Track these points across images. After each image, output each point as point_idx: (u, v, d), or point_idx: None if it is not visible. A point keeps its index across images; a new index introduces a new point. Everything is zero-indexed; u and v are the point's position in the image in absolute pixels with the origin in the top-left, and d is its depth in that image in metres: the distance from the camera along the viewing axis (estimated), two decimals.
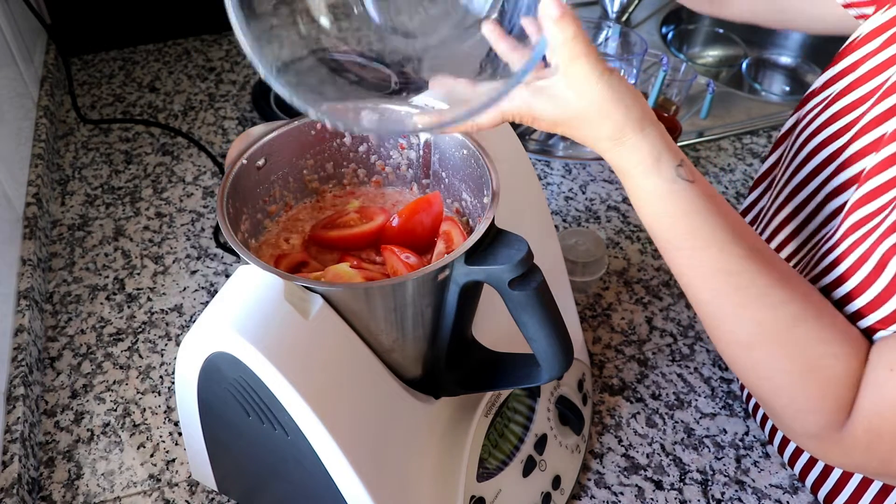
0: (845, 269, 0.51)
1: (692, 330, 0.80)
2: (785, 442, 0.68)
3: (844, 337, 0.48)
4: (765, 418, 0.70)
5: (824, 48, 1.33)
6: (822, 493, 0.65)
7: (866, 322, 0.48)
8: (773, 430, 0.69)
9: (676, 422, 0.72)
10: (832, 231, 0.54)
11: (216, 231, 0.90)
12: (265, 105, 1.05)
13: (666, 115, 0.95)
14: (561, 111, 0.47)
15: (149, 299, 0.82)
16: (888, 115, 0.53)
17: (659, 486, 0.67)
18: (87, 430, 0.70)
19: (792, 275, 0.49)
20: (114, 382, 0.74)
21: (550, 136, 1.06)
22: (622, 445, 0.70)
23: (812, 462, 0.65)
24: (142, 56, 1.20)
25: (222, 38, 1.25)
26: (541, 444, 0.63)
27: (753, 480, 0.67)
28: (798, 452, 0.66)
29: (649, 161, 0.47)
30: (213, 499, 0.65)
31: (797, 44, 1.36)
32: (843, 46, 0.62)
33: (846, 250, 0.51)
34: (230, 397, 0.50)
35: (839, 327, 0.48)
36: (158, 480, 0.66)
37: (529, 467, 0.61)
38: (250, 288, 0.46)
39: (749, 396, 0.72)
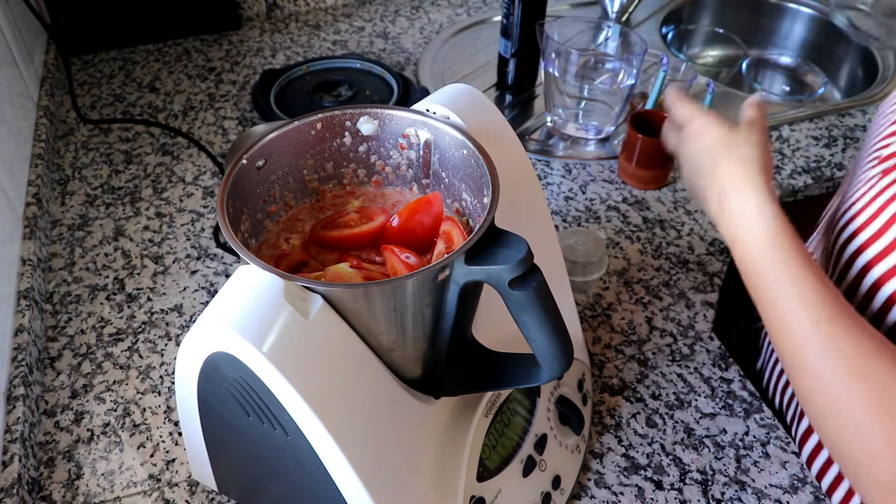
0: None
1: (692, 330, 0.80)
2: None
3: None
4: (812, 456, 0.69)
5: (824, 48, 1.33)
6: None
7: None
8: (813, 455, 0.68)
9: (676, 422, 0.72)
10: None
11: (216, 231, 0.90)
12: (265, 105, 1.05)
13: (666, 115, 0.95)
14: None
15: (149, 299, 0.82)
16: None
17: (659, 486, 0.67)
18: (87, 430, 0.70)
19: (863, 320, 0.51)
20: (114, 382, 0.74)
21: (550, 135, 1.06)
22: (622, 445, 0.70)
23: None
24: (142, 56, 1.20)
25: (222, 38, 1.25)
26: (541, 444, 0.63)
27: (753, 480, 0.67)
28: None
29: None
30: (213, 499, 0.65)
31: (797, 44, 1.36)
32: None
33: None
34: (230, 397, 0.50)
35: None
36: (158, 480, 0.66)
37: (529, 467, 0.61)
38: (250, 288, 0.46)
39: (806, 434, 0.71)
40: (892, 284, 0.55)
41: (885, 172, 0.58)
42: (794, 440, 0.72)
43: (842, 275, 0.61)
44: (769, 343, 0.79)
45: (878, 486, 0.48)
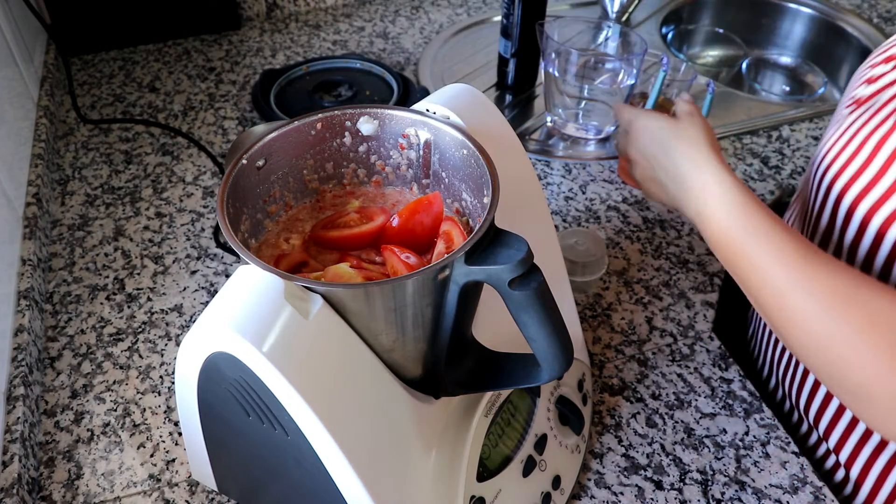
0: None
1: (692, 330, 0.80)
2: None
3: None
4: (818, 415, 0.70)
5: (824, 48, 1.33)
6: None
7: None
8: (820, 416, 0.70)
9: (676, 422, 0.72)
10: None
11: (216, 231, 0.90)
12: (265, 105, 1.05)
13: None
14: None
15: (149, 299, 0.82)
16: None
17: (659, 486, 0.67)
18: (87, 430, 0.70)
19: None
20: (114, 382, 0.74)
21: (550, 135, 1.06)
22: (622, 445, 0.70)
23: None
24: (142, 56, 1.20)
25: (222, 38, 1.25)
26: (541, 444, 0.63)
27: (753, 480, 0.67)
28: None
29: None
30: (213, 499, 0.65)
31: (797, 44, 1.36)
32: None
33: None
34: (230, 397, 0.50)
35: (887, 286, 0.50)
36: (158, 480, 0.66)
37: (529, 467, 0.61)
38: (250, 288, 0.46)
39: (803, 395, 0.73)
40: (878, 218, 0.56)
41: (859, 103, 0.59)
42: (796, 407, 0.73)
43: (829, 219, 0.61)
44: (756, 313, 0.79)
45: (879, 409, 0.49)
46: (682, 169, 0.62)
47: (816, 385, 0.70)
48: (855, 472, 0.68)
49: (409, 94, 1.07)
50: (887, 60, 0.62)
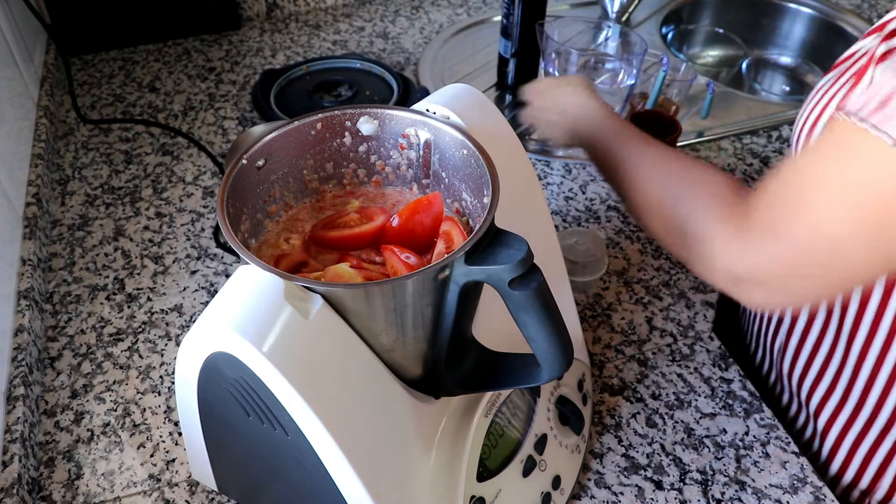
0: None
1: (692, 330, 0.80)
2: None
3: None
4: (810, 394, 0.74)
5: (824, 48, 1.33)
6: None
7: None
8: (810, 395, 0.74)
9: (676, 422, 0.72)
10: None
11: (216, 231, 0.90)
12: (265, 105, 1.05)
13: (666, 115, 0.95)
14: None
15: (149, 299, 0.82)
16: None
17: (659, 486, 0.67)
18: (87, 430, 0.70)
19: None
20: (114, 382, 0.74)
21: None
22: (622, 445, 0.70)
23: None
24: (142, 56, 1.20)
25: (222, 38, 1.25)
26: (541, 444, 0.63)
27: (753, 480, 0.67)
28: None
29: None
30: (213, 499, 0.65)
31: (797, 44, 1.36)
32: None
33: None
34: (230, 397, 0.50)
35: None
36: (158, 480, 0.66)
37: (529, 467, 0.61)
38: (250, 288, 0.46)
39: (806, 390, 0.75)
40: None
41: (835, 66, 0.67)
42: (789, 388, 0.76)
43: None
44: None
45: (703, 252, 0.56)
46: (570, 111, 0.75)
47: (808, 364, 0.72)
48: (843, 453, 0.72)
49: (409, 94, 1.07)
50: (872, 32, 0.64)
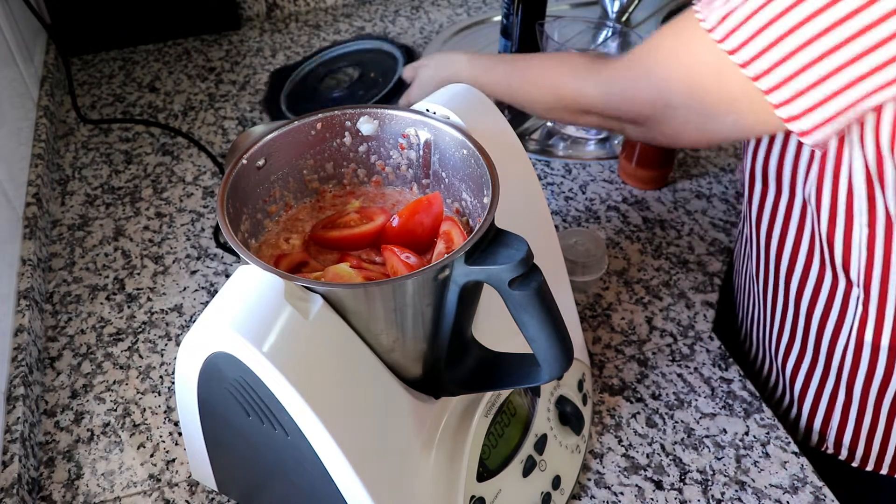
0: None
1: (692, 330, 0.80)
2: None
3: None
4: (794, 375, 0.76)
5: None
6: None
7: None
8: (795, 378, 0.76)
9: (676, 422, 0.72)
10: None
11: (216, 231, 0.90)
12: (275, 108, 1.05)
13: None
14: None
15: (149, 299, 0.82)
16: None
17: (659, 486, 0.67)
18: (87, 430, 0.70)
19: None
20: (114, 382, 0.74)
21: (550, 135, 1.06)
22: (622, 445, 0.70)
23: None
24: (142, 56, 1.20)
25: (222, 38, 1.25)
26: (541, 444, 0.63)
27: (753, 480, 0.67)
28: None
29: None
30: (213, 499, 0.65)
31: None
32: None
33: None
34: (230, 397, 0.50)
35: None
36: (158, 480, 0.66)
37: (529, 467, 0.61)
38: (250, 288, 0.46)
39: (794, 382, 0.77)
40: None
41: None
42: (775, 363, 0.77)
43: None
44: (740, 282, 0.83)
45: (569, 109, 0.70)
46: (447, 67, 0.85)
47: (801, 352, 0.73)
48: (833, 429, 0.74)
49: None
50: None
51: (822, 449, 0.75)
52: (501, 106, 0.72)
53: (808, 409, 0.75)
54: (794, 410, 0.77)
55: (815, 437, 0.75)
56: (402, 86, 0.96)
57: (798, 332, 0.72)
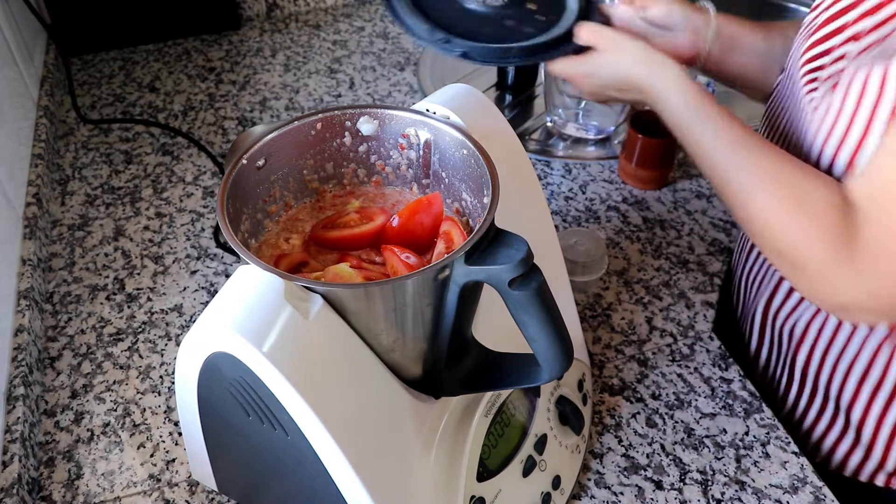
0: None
1: (692, 330, 0.80)
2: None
3: (822, 175, 0.58)
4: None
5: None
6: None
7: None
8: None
9: (676, 422, 0.72)
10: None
11: (216, 231, 0.90)
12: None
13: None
14: None
15: (149, 299, 0.82)
16: None
17: (659, 486, 0.67)
18: (87, 430, 0.70)
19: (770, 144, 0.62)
20: (114, 382, 0.74)
21: (550, 135, 1.06)
22: (622, 445, 0.70)
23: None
24: (142, 56, 1.20)
25: (222, 38, 1.25)
26: (541, 444, 0.63)
27: (753, 480, 0.67)
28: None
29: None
30: (213, 499, 0.65)
31: None
32: None
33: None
34: (230, 397, 0.50)
35: (814, 170, 0.58)
36: (158, 480, 0.66)
37: (529, 467, 0.61)
38: (250, 288, 0.46)
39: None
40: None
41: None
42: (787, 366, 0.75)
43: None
44: (743, 280, 0.81)
45: (808, 274, 0.57)
46: (647, 78, 0.67)
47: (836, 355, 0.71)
48: (881, 443, 0.71)
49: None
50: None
51: (858, 443, 0.74)
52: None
53: (847, 406, 0.73)
54: (818, 401, 0.75)
55: (851, 432, 0.74)
56: (565, 40, 0.72)
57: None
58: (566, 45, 0.71)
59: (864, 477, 0.74)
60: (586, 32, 0.70)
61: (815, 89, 0.61)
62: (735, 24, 0.75)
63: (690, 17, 0.74)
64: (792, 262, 0.57)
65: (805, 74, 0.63)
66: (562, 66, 0.72)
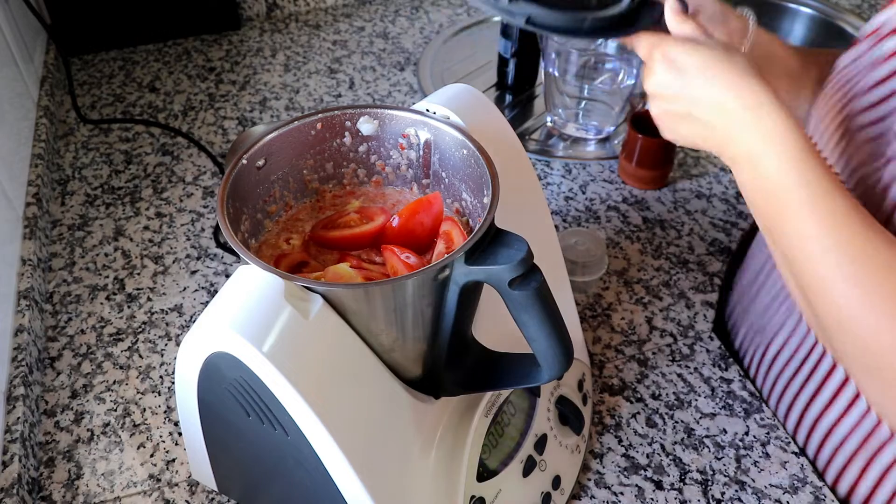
0: None
1: (692, 330, 0.80)
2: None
3: None
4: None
5: (824, 48, 1.33)
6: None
7: None
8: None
9: (676, 422, 0.72)
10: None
11: (216, 231, 0.90)
12: None
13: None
14: None
15: (149, 299, 0.82)
16: None
17: (659, 486, 0.67)
18: (87, 430, 0.70)
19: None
20: (114, 382, 0.74)
21: (550, 135, 1.06)
22: (622, 445, 0.70)
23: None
24: (142, 56, 1.20)
25: (222, 38, 1.25)
26: (541, 444, 0.63)
27: (753, 480, 0.67)
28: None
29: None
30: (213, 499, 0.65)
31: (797, 44, 1.36)
32: None
33: None
34: (230, 397, 0.50)
35: None
36: (158, 480, 0.66)
37: (529, 467, 0.61)
38: (250, 288, 0.46)
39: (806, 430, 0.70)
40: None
41: None
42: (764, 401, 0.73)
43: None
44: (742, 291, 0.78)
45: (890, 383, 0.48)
46: (727, 104, 0.53)
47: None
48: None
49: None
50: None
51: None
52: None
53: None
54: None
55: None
56: (638, 15, 0.60)
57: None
58: (650, 14, 0.59)
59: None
60: (673, 9, 0.58)
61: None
62: (773, 40, 0.69)
63: (729, 18, 0.66)
64: (876, 368, 0.49)
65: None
66: (647, 47, 0.58)
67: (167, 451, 0.69)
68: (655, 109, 0.59)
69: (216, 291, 0.72)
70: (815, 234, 0.50)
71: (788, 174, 0.51)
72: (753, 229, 0.89)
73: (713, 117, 0.54)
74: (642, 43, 0.58)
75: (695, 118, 0.56)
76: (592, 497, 0.66)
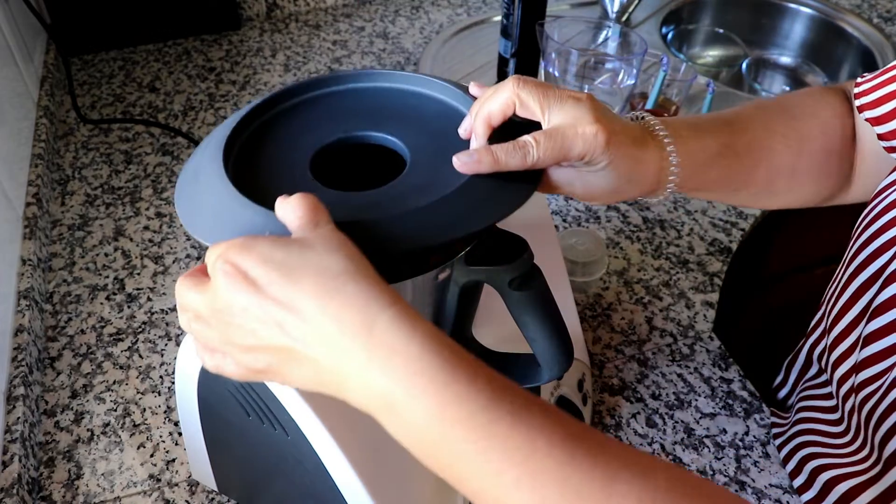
0: None
1: (692, 330, 0.80)
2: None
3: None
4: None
5: (824, 48, 1.33)
6: None
7: None
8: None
9: (676, 422, 0.72)
10: None
11: None
12: None
13: (666, 115, 0.95)
14: None
15: (149, 299, 0.82)
16: None
17: None
18: (87, 430, 0.70)
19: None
20: (114, 382, 0.74)
21: None
22: None
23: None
24: (142, 56, 1.20)
25: (222, 38, 1.25)
26: None
27: (753, 480, 0.67)
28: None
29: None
30: (213, 499, 0.65)
31: (797, 44, 1.36)
32: None
33: None
34: (230, 397, 0.50)
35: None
36: (158, 480, 0.66)
37: None
38: None
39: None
40: None
41: None
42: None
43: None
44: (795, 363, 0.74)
45: None
46: (326, 330, 0.36)
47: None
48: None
49: None
50: None
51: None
52: None
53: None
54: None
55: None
56: None
57: None
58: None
59: None
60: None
61: None
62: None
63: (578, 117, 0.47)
64: None
65: None
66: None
67: (167, 451, 0.69)
68: (228, 364, 0.39)
69: None
70: (498, 470, 0.36)
71: (434, 416, 0.36)
72: (753, 229, 0.90)
73: (318, 351, 0.37)
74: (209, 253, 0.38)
75: (302, 357, 0.37)
76: None
